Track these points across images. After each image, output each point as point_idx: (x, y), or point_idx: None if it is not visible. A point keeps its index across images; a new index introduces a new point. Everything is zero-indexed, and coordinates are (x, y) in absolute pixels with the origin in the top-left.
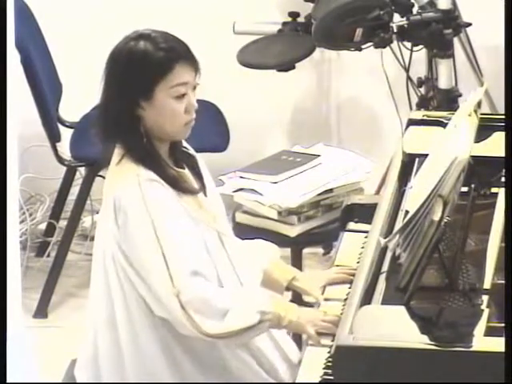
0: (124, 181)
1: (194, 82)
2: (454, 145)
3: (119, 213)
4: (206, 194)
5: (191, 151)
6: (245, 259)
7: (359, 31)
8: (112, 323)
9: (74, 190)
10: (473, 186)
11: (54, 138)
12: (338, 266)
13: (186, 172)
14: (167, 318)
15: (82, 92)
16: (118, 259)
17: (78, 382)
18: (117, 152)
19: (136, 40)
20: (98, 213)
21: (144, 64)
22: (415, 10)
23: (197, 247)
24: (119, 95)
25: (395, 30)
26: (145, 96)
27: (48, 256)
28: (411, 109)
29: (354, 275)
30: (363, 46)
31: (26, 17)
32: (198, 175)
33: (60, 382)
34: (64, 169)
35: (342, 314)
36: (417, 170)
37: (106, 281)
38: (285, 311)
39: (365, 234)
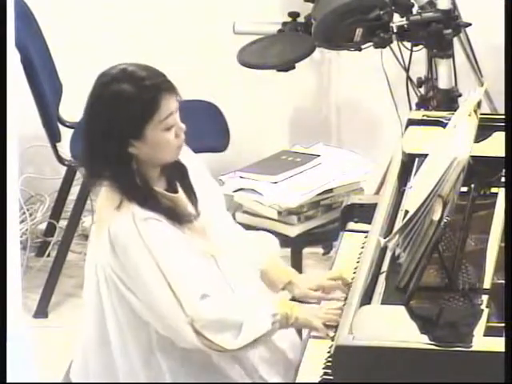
0: (119, 220)
1: (176, 106)
2: (453, 145)
3: (117, 247)
4: (197, 211)
5: (180, 161)
6: (240, 274)
7: (359, 31)
8: (105, 340)
9: (74, 190)
10: (473, 186)
11: (54, 137)
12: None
13: (180, 195)
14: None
15: (82, 92)
16: (112, 282)
17: (77, 382)
18: (110, 192)
19: (117, 82)
20: None
21: (131, 108)
22: (415, 10)
23: (200, 270)
24: (108, 139)
25: (395, 30)
26: (135, 136)
27: (48, 256)
28: (411, 109)
29: (347, 283)
30: (363, 46)
31: (26, 16)
32: (189, 189)
33: (60, 382)
34: (64, 169)
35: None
36: (417, 170)
37: (97, 297)
38: (290, 309)
39: (365, 234)
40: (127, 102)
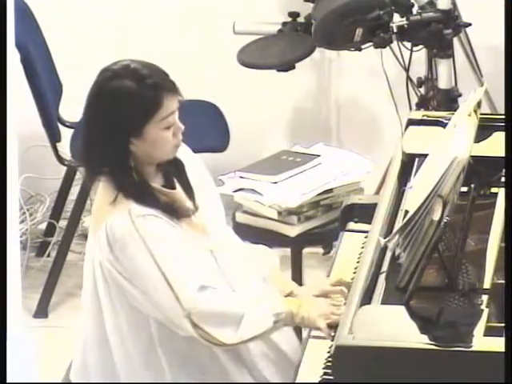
0: (116, 216)
1: (177, 106)
2: (453, 145)
3: (114, 244)
4: (196, 206)
5: (177, 157)
6: (240, 272)
7: (359, 31)
8: (103, 339)
9: (74, 190)
10: (473, 185)
11: (54, 137)
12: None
13: (177, 191)
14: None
15: (82, 92)
16: (111, 277)
17: (77, 382)
18: (106, 188)
19: (119, 78)
20: None
21: (132, 105)
22: (415, 10)
23: (199, 263)
24: (107, 134)
25: (395, 30)
26: (135, 134)
27: (48, 256)
28: (411, 109)
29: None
30: (363, 46)
31: (25, 16)
32: (186, 184)
33: (60, 382)
34: (64, 169)
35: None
36: (416, 170)
37: (95, 296)
38: (297, 308)
39: (365, 234)
40: (128, 98)
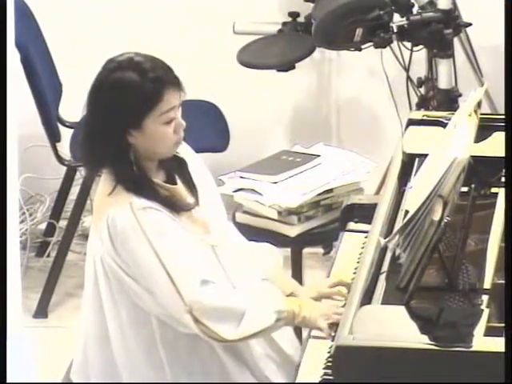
0: (117, 209)
1: (179, 102)
2: (454, 145)
3: (116, 237)
4: (198, 202)
5: (180, 154)
6: (241, 269)
7: (359, 31)
8: (104, 336)
9: (74, 190)
10: (473, 185)
11: (54, 137)
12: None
13: (178, 187)
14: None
15: (82, 92)
16: (112, 273)
17: (76, 382)
18: (107, 181)
19: (122, 70)
20: None
21: (132, 97)
22: (415, 10)
23: (200, 258)
24: (107, 126)
25: (395, 30)
26: (134, 126)
27: (48, 256)
28: (411, 109)
29: (348, 287)
30: (363, 46)
31: (25, 16)
32: (189, 181)
33: (60, 382)
34: (64, 169)
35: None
36: (417, 170)
37: (96, 293)
38: (299, 307)
39: (365, 234)
40: (130, 90)
